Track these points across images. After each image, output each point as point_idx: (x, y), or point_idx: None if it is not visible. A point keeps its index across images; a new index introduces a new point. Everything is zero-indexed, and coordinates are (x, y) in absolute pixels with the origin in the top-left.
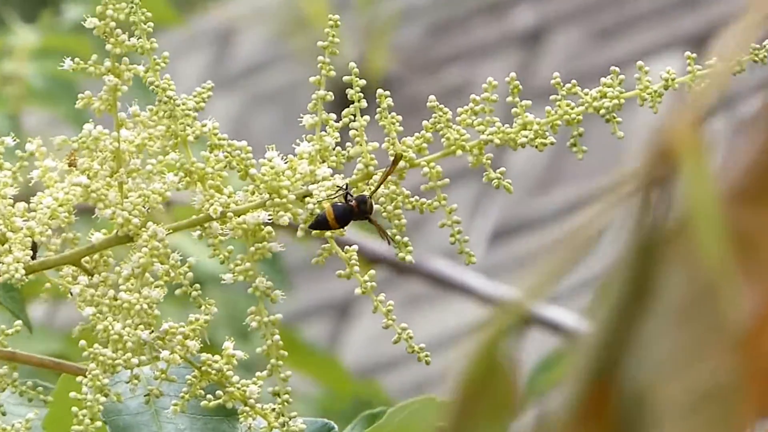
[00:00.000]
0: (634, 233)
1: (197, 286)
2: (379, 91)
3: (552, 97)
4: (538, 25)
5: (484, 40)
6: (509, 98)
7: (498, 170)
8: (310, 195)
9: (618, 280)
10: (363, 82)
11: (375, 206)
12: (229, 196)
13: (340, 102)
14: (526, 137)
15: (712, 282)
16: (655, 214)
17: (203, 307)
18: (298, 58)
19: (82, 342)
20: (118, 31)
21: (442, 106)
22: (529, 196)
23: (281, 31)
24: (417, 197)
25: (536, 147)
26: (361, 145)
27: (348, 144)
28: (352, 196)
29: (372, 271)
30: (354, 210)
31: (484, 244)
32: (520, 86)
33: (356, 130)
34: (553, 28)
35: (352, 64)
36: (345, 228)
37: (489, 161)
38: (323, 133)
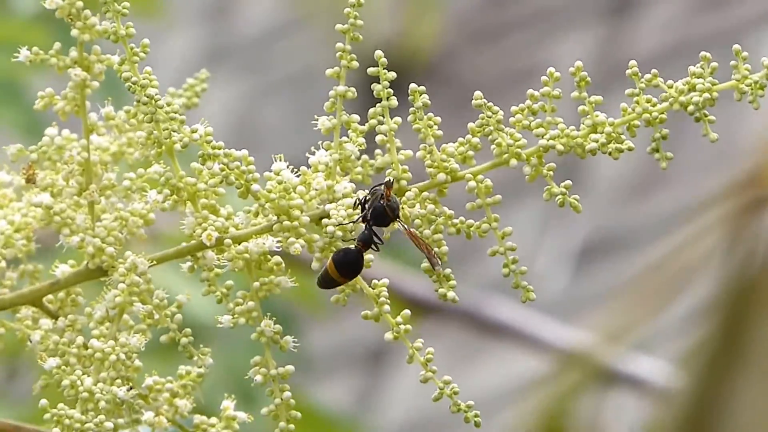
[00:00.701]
0: (726, 275)
1: (188, 331)
2: (412, 86)
3: (629, 91)
4: None
5: (559, 7)
6: (575, 93)
7: (563, 183)
8: (328, 216)
9: (710, 330)
10: (392, 75)
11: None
12: (227, 219)
13: (370, 85)
14: (597, 142)
15: None
16: (749, 252)
17: (196, 358)
18: (315, 30)
19: (44, 401)
20: (87, 12)
21: (490, 104)
22: (621, 206)
23: None
24: (463, 218)
25: (609, 154)
26: (391, 153)
27: (377, 151)
28: (369, 217)
29: (406, 312)
30: (360, 252)
31: (558, 271)
32: (588, 78)
33: (385, 135)
34: None
35: (379, 53)
36: (359, 272)
37: (551, 172)
38: (344, 138)
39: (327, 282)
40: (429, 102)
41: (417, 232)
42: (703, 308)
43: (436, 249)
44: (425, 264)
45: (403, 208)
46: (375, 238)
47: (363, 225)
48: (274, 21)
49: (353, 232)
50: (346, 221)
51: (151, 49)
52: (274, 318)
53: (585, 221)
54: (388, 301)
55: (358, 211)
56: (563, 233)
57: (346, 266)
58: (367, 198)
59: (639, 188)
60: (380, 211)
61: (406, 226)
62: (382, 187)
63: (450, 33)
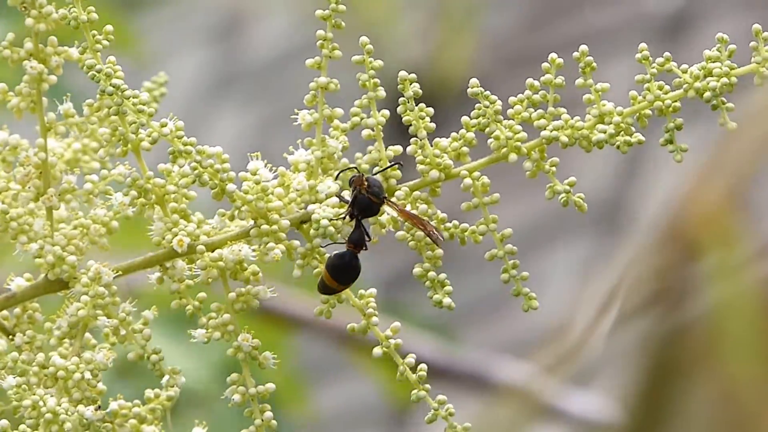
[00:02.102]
0: (654, 343)
1: (157, 348)
2: (402, 73)
3: (638, 77)
4: (685, 10)
5: (607, 28)
6: (579, 80)
7: (567, 181)
8: (309, 220)
9: (641, 398)
10: (379, 63)
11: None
12: (198, 224)
13: (397, 114)
14: (604, 133)
15: (749, 412)
16: (674, 319)
17: (167, 378)
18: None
19: (3, 422)
20: (42, 0)
21: (487, 93)
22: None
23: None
24: (456, 222)
25: (617, 147)
26: (379, 150)
27: (369, 147)
28: (352, 198)
29: (396, 324)
30: (353, 254)
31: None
32: (594, 63)
33: (372, 129)
34: (706, 14)
35: (364, 39)
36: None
37: (554, 168)
38: (326, 136)
39: (326, 289)
40: (420, 92)
41: (410, 209)
42: (638, 345)
43: (427, 255)
44: (417, 269)
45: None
46: (365, 236)
47: (351, 223)
48: (289, 43)
49: (340, 234)
50: (321, 206)
51: (158, 69)
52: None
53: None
54: (376, 312)
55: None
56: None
57: (341, 271)
58: (350, 193)
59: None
60: (365, 202)
61: (397, 205)
62: (356, 179)
63: (484, 58)
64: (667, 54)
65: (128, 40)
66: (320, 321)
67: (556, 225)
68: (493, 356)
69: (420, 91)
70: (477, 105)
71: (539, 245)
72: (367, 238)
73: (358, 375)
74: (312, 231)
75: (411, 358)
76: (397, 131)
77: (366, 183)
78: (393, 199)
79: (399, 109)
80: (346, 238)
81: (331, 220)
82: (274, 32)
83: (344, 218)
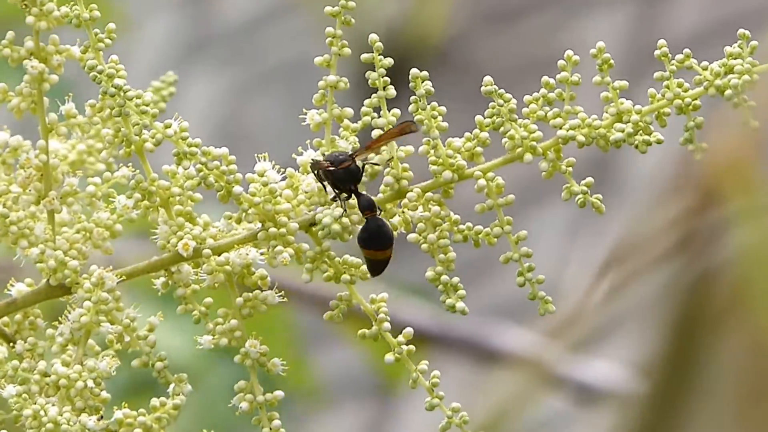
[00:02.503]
0: (676, 296)
1: (163, 355)
2: (414, 71)
3: (657, 74)
4: None
5: None
6: (597, 78)
7: (584, 181)
8: (319, 223)
9: (662, 356)
10: (389, 61)
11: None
12: (204, 227)
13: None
14: (622, 132)
15: None
16: (696, 270)
17: (173, 387)
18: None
19: None
20: None
21: (501, 91)
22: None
23: None
24: (470, 224)
25: (636, 147)
26: (389, 148)
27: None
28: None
29: (409, 330)
30: (375, 219)
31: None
32: (613, 61)
33: (382, 129)
34: None
35: (373, 36)
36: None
37: (570, 168)
38: (336, 137)
39: (375, 266)
40: (433, 90)
41: (378, 136)
42: (656, 301)
43: (440, 258)
44: (429, 272)
45: (404, 212)
46: (371, 200)
47: (344, 190)
48: (261, 6)
49: (350, 233)
50: (330, 207)
51: (120, 40)
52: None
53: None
54: (388, 317)
55: (329, 195)
56: (593, 242)
57: (374, 239)
58: (322, 177)
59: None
60: (341, 174)
61: (364, 146)
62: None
63: (462, 15)
64: (686, 50)
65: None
66: (307, 288)
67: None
68: (486, 321)
69: (432, 89)
70: (491, 104)
71: (525, 204)
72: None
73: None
74: (319, 233)
75: (424, 365)
76: (367, 90)
77: (327, 162)
78: (366, 154)
79: (411, 108)
80: (363, 212)
81: (336, 218)
82: None
83: (338, 199)
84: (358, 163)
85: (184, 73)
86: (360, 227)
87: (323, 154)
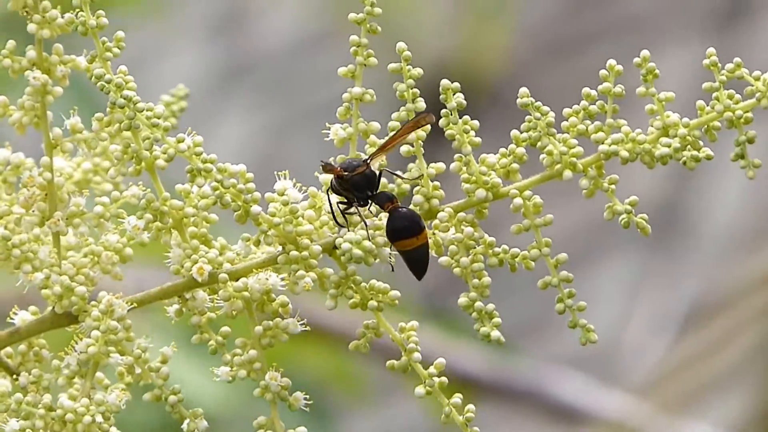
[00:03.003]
0: None
1: (176, 388)
2: (444, 82)
3: (706, 85)
4: None
5: (653, 13)
6: (640, 89)
7: (628, 200)
8: (339, 248)
9: (764, 416)
10: (418, 71)
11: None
12: (221, 250)
13: (430, 101)
14: (669, 147)
15: None
16: None
17: (187, 423)
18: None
19: None
20: (46, 4)
21: (538, 104)
22: (733, 260)
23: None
24: (506, 246)
25: (684, 163)
26: (419, 164)
27: (409, 165)
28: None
29: (441, 361)
30: (397, 208)
31: (653, 341)
32: (657, 69)
33: (411, 145)
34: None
35: (401, 45)
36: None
37: (613, 186)
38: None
39: (415, 261)
40: (464, 102)
41: (392, 134)
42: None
43: (473, 284)
44: (463, 299)
45: (435, 233)
46: (389, 194)
47: (361, 198)
48: (302, 32)
49: (377, 257)
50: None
51: (151, 67)
52: (306, 395)
53: (690, 280)
54: (418, 347)
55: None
56: (662, 295)
57: (402, 229)
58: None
59: (752, 239)
60: (358, 180)
61: (379, 151)
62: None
63: (521, 47)
64: (737, 60)
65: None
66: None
67: (605, 235)
68: (550, 370)
69: (464, 102)
70: (527, 117)
71: (587, 258)
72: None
73: (402, 394)
74: (342, 258)
75: (457, 398)
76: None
77: (339, 168)
78: (372, 160)
79: (441, 122)
80: (384, 207)
81: (357, 242)
82: (282, 23)
83: (356, 206)
84: (374, 167)
85: (216, 108)
86: (386, 224)
87: (326, 162)
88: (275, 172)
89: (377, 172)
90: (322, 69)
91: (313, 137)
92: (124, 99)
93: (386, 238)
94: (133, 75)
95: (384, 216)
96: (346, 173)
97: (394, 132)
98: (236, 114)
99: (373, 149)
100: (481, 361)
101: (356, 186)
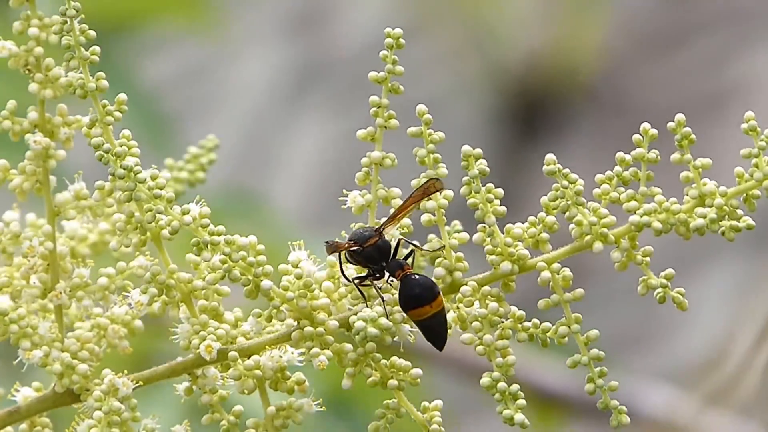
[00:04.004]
0: None
1: None
2: (465, 148)
3: (744, 152)
4: None
5: (753, 5)
6: (675, 155)
7: (664, 273)
8: (353, 326)
9: None
10: (440, 135)
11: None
12: (234, 326)
13: (510, 113)
14: (704, 218)
15: None
16: None
17: None
18: (437, 41)
19: None
20: (49, 61)
21: (566, 171)
22: None
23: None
24: (536, 321)
25: (722, 234)
26: (442, 235)
27: (430, 235)
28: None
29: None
30: (408, 276)
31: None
32: (693, 136)
33: (432, 214)
34: None
35: (422, 108)
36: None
37: (647, 258)
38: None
39: (433, 330)
40: (488, 169)
41: (402, 203)
42: None
43: (497, 363)
44: (485, 378)
45: (458, 307)
46: (401, 261)
47: (376, 270)
48: (382, 31)
49: (395, 335)
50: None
51: (222, 71)
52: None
53: None
54: (442, 429)
55: (358, 278)
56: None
57: (416, 294)
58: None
59: None
60: (370, 252)
61: (389, 218)
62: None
63: (616, 42)
64: None
65: (201, 15)
66: (452, 356)
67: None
68: (642, 386)
69: (487, 169)
70: (554, 185)
71: (693, 262)
72: (405, 262)
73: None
74: (355, 338)
75: None
76: (498, 128)
77: (349, 243)
78: (386, 228)
79: (462, 191)
80: (395, 275)
81: (372, 320)
82: (362, 21)
83: (370, 278)
84: (387, 237)
85: (292, 113)
86: (399, 294)
87: (332, 243)
88: (289, 243)
89: (390, 242)
90: (405, 68)
91: (391, 140)
92: (124, 169)
93: (403, 314)
94: (205, 80)
95: (396, 284)
96: (357, 247)
97: (405, 200)
98: (313, 119)
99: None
100: (570, 378)
101: (369, 258)
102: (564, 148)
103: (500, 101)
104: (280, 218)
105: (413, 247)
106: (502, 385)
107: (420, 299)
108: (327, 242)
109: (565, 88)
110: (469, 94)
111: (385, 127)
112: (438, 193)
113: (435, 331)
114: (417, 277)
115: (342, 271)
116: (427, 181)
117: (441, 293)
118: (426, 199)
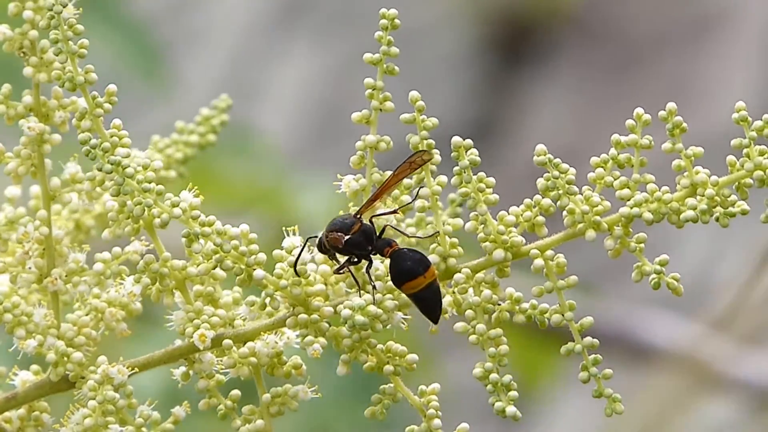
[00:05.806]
0: None
1: None
2: (456, 139)
3: (735, 142)
4: None
5: None
6: (666, 144)
7: (658, 259)
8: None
9: None
10: (433, 121)
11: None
12: (233, 304)
13: (496, 41)
14: (694, 209)
15: None
16: None
17: None
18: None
19: None
20: (44, 43)
21: (557, 161)
22: None
23: None
24: (534, 302)
25: (717, 220)
26: (435, 220)
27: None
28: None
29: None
30: (397, 251)
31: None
32: (686, 125)
33: (427, 200)
34: None
35: (414, 94)
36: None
37: (641, 245)
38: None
39: (427, 302)
40: (478, 159)
41: (385, 180)
42: None
43: (490, 352)
44: (477, 369)
45: (454, 292)
46: (389, 240)
47: (363, 256)
48: None
49: (387, 322)
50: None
51: (209, 2)
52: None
53: None
54: (439, 413)
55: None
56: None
57: (406, 268)
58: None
59: None
60: (354, 239)
61: (369, 200)
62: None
63: None
64: (766, 116)
65: None
66: None
67: None
68: (637, 312)
69: (478, 159)
70: (545, 175)
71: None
72: (393, 241)
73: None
74: (345, 327)
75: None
76: (481, 62)
77: (337, 235)
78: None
79: (453, 181)
80: (384, 254)
81: (360, 308)
82: None
83: (357, 263)
84: (366, 221)
85: (279, 39)
86: (389, 270)
87: (319, 243)
88: (284, 228)
89: (373, 225)
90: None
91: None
92: (112, 164)
93: (395, 301)
94: (194, 10)
95: (386, 262)
96: (346, 237)
97: (389, 177)
98: (298, 50)
99: (390, 201)
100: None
101: (356, 245)
102: (549, 76)
103: (486, 30)
104: (274, 154)
105: (404, 236)
106: (494, 376)
107: (412, 272)
108: (311, 237)
109: (551, 15)
110: (454, 23)
111: (380, 110)
112: (426, 163)
113: (431, 301)
114: (406, 250)
115: (338, 263)
116: (413, 154)
117: (432, 264)
118: (417, 171)
